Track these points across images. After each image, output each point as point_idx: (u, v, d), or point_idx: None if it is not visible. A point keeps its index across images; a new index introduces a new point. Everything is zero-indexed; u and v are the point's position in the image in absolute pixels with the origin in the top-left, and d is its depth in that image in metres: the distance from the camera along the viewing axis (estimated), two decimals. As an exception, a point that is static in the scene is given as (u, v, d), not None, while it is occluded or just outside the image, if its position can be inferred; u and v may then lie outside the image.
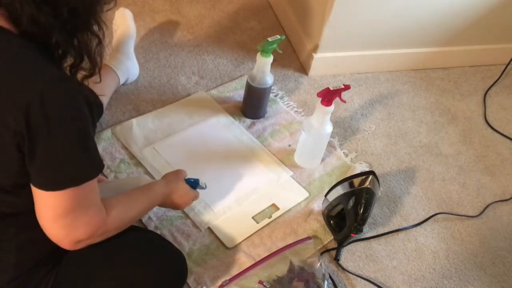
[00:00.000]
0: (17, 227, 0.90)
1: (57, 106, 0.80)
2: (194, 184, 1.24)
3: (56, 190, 0.82)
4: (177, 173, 1.21)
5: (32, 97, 0.78)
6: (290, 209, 1.42)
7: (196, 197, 1.24)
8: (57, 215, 0.84)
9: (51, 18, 0.81)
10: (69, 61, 0.90)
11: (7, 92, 0.79)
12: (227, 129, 1.60)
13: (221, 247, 1.30)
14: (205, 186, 1.28)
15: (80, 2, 0.83)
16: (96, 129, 0.96)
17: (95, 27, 0.88)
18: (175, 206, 1.19)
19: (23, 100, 0.77)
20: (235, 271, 1.25)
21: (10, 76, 0.79)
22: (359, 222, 1.30)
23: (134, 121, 1.54)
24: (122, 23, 1.68)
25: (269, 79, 1.56)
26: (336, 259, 1.32)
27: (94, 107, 0.90)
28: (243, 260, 1.28)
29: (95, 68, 0.93)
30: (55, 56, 0.87)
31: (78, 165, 0.85)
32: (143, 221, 1.31)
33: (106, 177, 1.39)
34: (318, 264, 1.26)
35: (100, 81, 1.01)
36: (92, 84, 1.42)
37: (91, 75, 0.94)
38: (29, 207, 0.86)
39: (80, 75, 0.93)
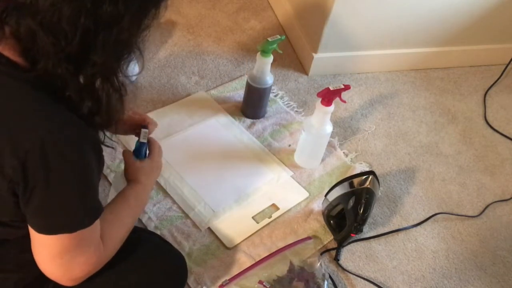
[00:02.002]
0: (18, 248, 0.89)
1: (58, 157, 0.76)
2: (144, 146, 1.11)
3: (49, 234, 0.80)
4: (129, 165, 1.08)
5: (32, 145, 0.74)
6: (290, 209, 1.42)
7: (160, 152, 1.13)
8: (53, 255, 0.82)
9: (71, 74, 0.77)
10: (86, 107, 0.84)
11: (6, 137, 0.74)
12: (227, 129, 1.60)
13: (221, 247, 1.30)
14: (144, 126, 1.13)
15: (105, 62, 0.78)
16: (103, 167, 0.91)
17: (117, 83, 0.83)
18: (157, 177, 1.13)
19: (22, 147, 0.74)
20: (235, 271, 1.25)
21: (10, 119, 0.75)
22: (359, 222, 1.30)
23: (134, 121, 1.54)
24: None
25: (269, 79, 1.56)
26: (336, 259, 1.32)
27: (102, 151, 0.85)
28: (243, 260, 1.28)
29: (112, 121, 0.88)
30: (69, 99, 0.81)
31: (73, 214, 0.81)
32: (143, 221, 1.31)
33: (106, 177, 1.39)
34: (318, 264, 1.26)
35: (116, 132, 0.96)
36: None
37: (105, 126, 0.89)
38: (27, 231, 0.84)
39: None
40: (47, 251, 0.82)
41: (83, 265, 0.85)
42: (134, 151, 1.10)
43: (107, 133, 0.95)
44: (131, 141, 1.48)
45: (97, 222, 0.85)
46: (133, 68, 0.90)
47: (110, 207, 0.97)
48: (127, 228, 0.97)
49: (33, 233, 0.81)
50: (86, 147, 0.80)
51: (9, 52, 0.77)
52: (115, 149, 1.43)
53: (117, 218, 0.95)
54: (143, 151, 1.11)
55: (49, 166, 0.75)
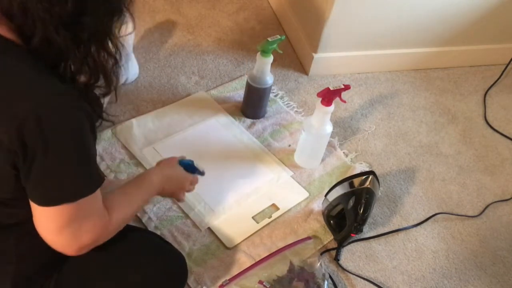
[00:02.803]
0: (17, 236, 0.89)
1: (54, 123, 0.77)
2: (189, 166, 1.20)
3: (52, 205, 0.81)
4: (169, 159, 1.18)
5: (27, 113, 0.75)
6: (290, 209, 1.42)
7: (193, 181, 1.21)
8: (60, 226, 0.82)
9: (69, 41, 0.79)
10: (83, 78, 0.88)
11: (1, 107, 0.76)
12: (227, 129, 1.60)
13: (221, 247, 1.30)
14: (203, 171, 1.24)
15: (98, 25, 0.81)
16: (96, 140, 0.93)
17: (112, 47, 0.87)
18: (173, 193, 1.16)
19: (18, 116, 0.75)
20: (235, 271, 1.25)
21: (5, 89, 0.77)
22: (359, 222, 1.30)
23: (134, 121, 1.54)
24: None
25: (269, 79, 1.56)
26: (336, 259, 1.32)
27: (95, 119, 0.87)
28: (243, 260, 1.28)
29: (111, 87, 0.91)
30: (65, 73, 0.85)
31: (74, 183, 0.82)
32: (143, 221, 1.31)
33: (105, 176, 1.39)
34: (318, 264, 1.26)
35: (116, 101, 1.00)
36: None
37: (106, 94, 0.92)
38: (29, 216, 0.85)
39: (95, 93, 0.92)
40: (54, 223, 0.82)
41: (90, 232, 0.86)
42: (184, 161, 1.21)
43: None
44: (130, 141, 1.48)
45: (98, 191, 0.86)
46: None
47: (125, 186, 1.01)
48: (134, 209, 1.00)
49: (35, 208, 0.82)
50: (80, 115, 0.81)
51: (2, 31, 0.79)
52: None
53: (126, 194, 0.99)
54: (186, 162, 1.20)
55: (46, 135, 0.76)
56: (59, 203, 0.81)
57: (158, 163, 1.17)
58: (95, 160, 0.87)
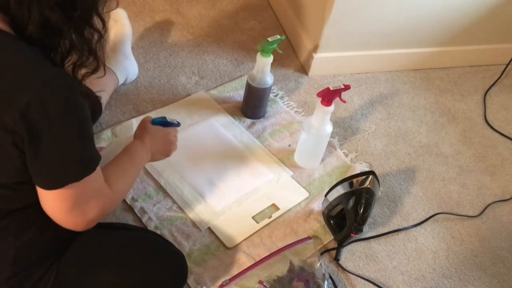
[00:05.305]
0: (17, 224, 0.90)
1: (57, 104, 0.80)
2: (164, 123, 1.22)
3: (58, 188, 0.84)
4: (140, 126, 1.20)
5: (31, 96, 0.77)
6: (290, 209, 1.42)
7: (175, 133, 1.25)
8: (68, 206, 0.86)
9: (64, 19, 0.83)
10: (72, 59, 0.91)
11: (3, 92, 0.78)
12: (227, 129, 1.60)
13: (221, 247, 1.30)
14: (177, 122, 1.26)
15: (87, 2, 0.85)
16: (93, 122, 0.97)
17: (96, 22, 0.90)
18: (165, 150, 1.22)
19: (21, 100, 0.77)
20: (235, 271, 1.25)
21: (6, 75, 0.79)
22: (359, 222, 1.30)
23: (134, 121, 1.54)
24: (118, 22, 1.68)
25: (269, 79, 1.56)
26: (336, 259, 1.32)
27: (87, 98, 0.89)
28: (243, 260, 1.28)
29: (99, 63, 0.94)
30: (55, 55, 0.88)
31: (78, 161, 0.86)
32: (143, 221, 1.31)
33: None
34: (318, 264, 1.26)
35: (105, 74, 1.02)
36: (90, 84, 1.43)
37: (94, 71, 0.95)
38: (29, 202, 0.87)
39: (83, 72, 0.95)
40: (62, 205, 0.86)
41: (96, 208, 0.90)
42: (157, 119, 1.20)
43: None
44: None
45: (99, 168, 0.90)
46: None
47: (117, 160, 1.06)
48: (129, 176, 1.05)
49: (43, 193, 0.85)
50: (77, 93, 0.84)
51: None
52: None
53: (119, 166, 1.03)
54: (159, 120, 1.19)
55: (50, 115, 0.79)
56: (65, 184, 0.84)
57: (134, 134, 1.19)
58: (93, 139, 0.91)
